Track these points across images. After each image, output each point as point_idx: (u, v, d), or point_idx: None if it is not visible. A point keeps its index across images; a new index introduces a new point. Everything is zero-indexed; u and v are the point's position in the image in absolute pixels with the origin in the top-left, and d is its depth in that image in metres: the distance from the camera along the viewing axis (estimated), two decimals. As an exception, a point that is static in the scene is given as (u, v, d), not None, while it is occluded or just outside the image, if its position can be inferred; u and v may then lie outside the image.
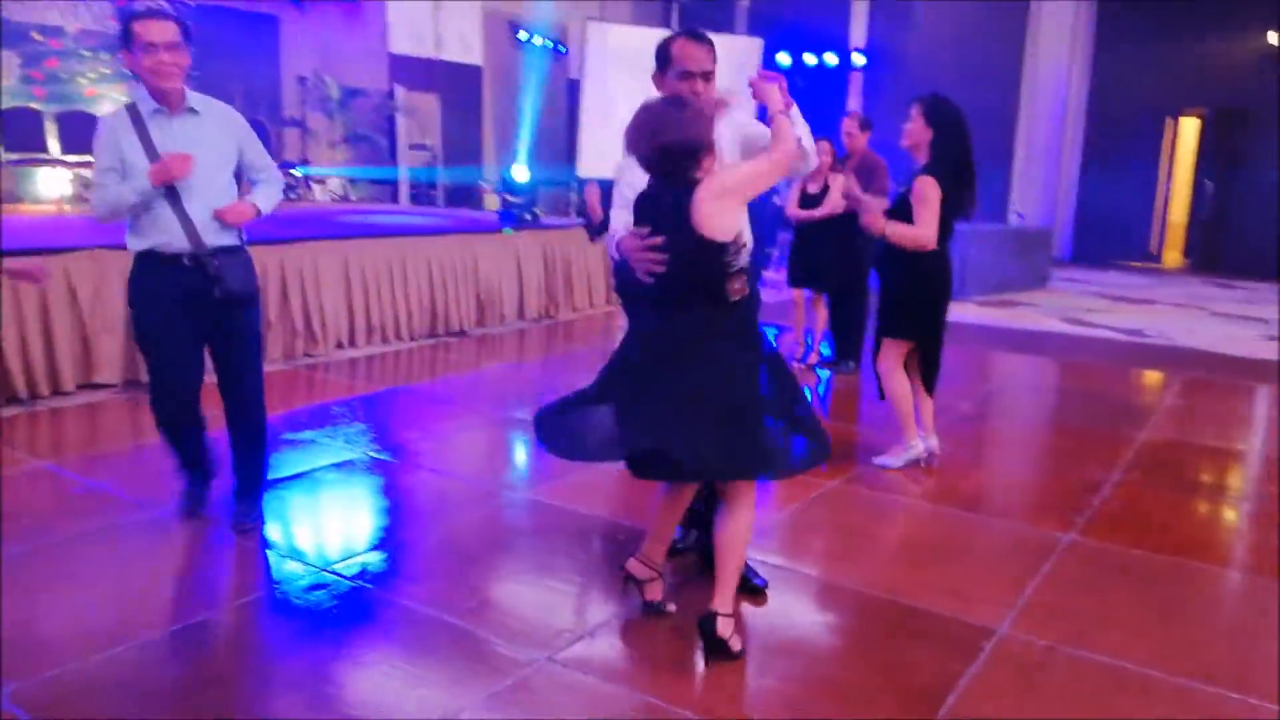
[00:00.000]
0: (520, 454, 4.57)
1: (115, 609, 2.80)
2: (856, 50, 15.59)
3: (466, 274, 7.33)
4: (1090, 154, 13.67)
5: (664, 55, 2.89)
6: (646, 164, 2.50)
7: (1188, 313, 9.32)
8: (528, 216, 8.01)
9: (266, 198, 3.24)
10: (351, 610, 2.84)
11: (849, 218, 5.74)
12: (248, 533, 3.30)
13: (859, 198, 4.63)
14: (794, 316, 6.47)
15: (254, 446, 3.38)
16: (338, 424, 4.77)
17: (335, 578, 3.02)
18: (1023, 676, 2.54)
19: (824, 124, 6.32)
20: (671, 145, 2.42)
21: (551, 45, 14.58)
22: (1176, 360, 6.87)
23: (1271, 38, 12.26)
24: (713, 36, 2.90)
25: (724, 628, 2.53)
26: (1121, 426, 5.06)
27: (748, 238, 2.57)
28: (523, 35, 14.09)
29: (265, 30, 11.02)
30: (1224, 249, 12.99)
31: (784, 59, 15.75)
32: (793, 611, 2.92)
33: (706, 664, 2.53)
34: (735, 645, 2.55)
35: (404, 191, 13.59)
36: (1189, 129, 13.76)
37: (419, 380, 5.97)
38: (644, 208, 2.54)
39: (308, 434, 4.55)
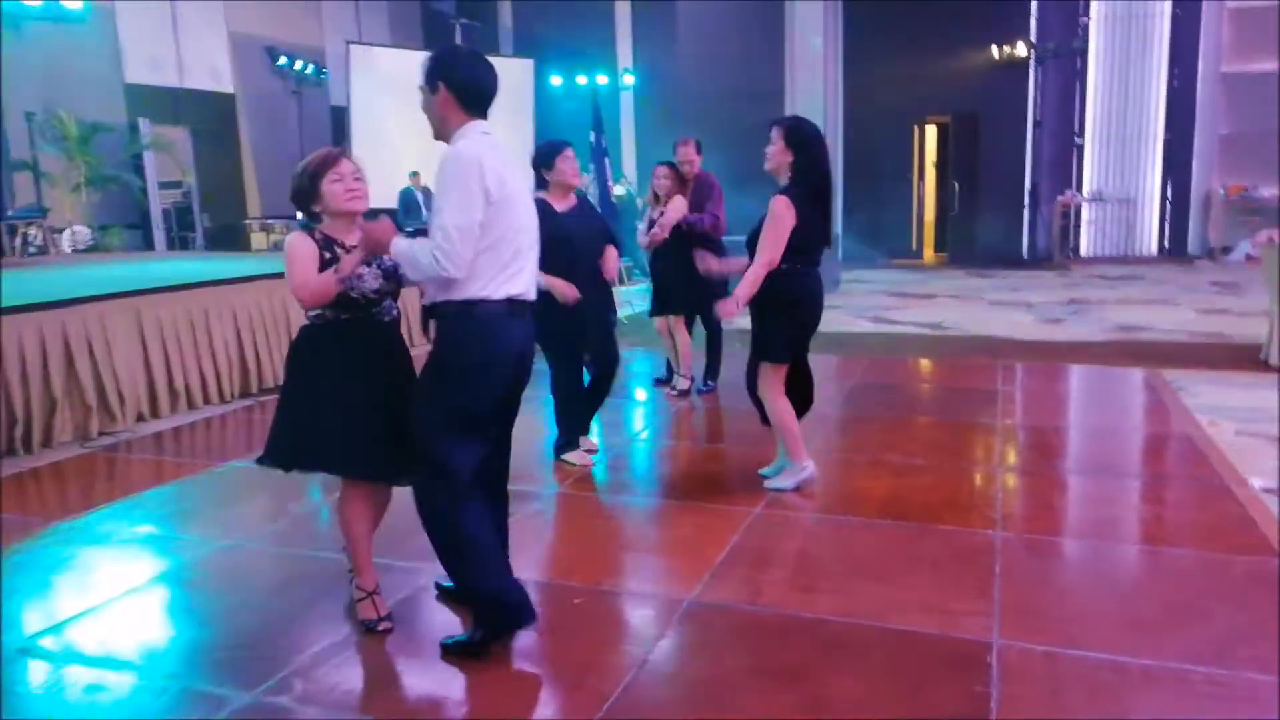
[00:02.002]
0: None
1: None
2: (626, 70, 15.86)
3: (277, 323, 6.60)
4: (851, 163, 14.65)
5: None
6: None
7: (967, 303, 10.15)
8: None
9: None
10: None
11: (693, 240, 5.73)
12: None
13: (713, 270, 4.57)
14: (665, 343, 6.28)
15: None
16: (168, 508, 4.05)
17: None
18: (1043, 687, 2.50)
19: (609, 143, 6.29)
20: None
21: (313, 70, 13.66)
22: (984, 349, 7.41)
23: (993, 51, 13.74)
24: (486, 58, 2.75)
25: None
26: (976, 416, 5.33)
27: None
28: (282, 61, 13.09)
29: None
30: (974, 242, 14.36)
31: (556, 80, 15.73)
32: (800, 657, 2.73)
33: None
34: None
35: (160, 235, 12.20)
36: (932, 135, 15.12)
37: (244, 451, 5.23)
38: None
39: (136, 529, 3.83)
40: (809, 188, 3.90)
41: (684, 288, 5.81)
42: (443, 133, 2.67)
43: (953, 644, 2.74)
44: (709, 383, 6.08)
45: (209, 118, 13.18)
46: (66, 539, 3.74)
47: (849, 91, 14.55)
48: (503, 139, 2.69)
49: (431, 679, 2.65)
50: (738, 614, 2.98)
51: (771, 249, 3.83)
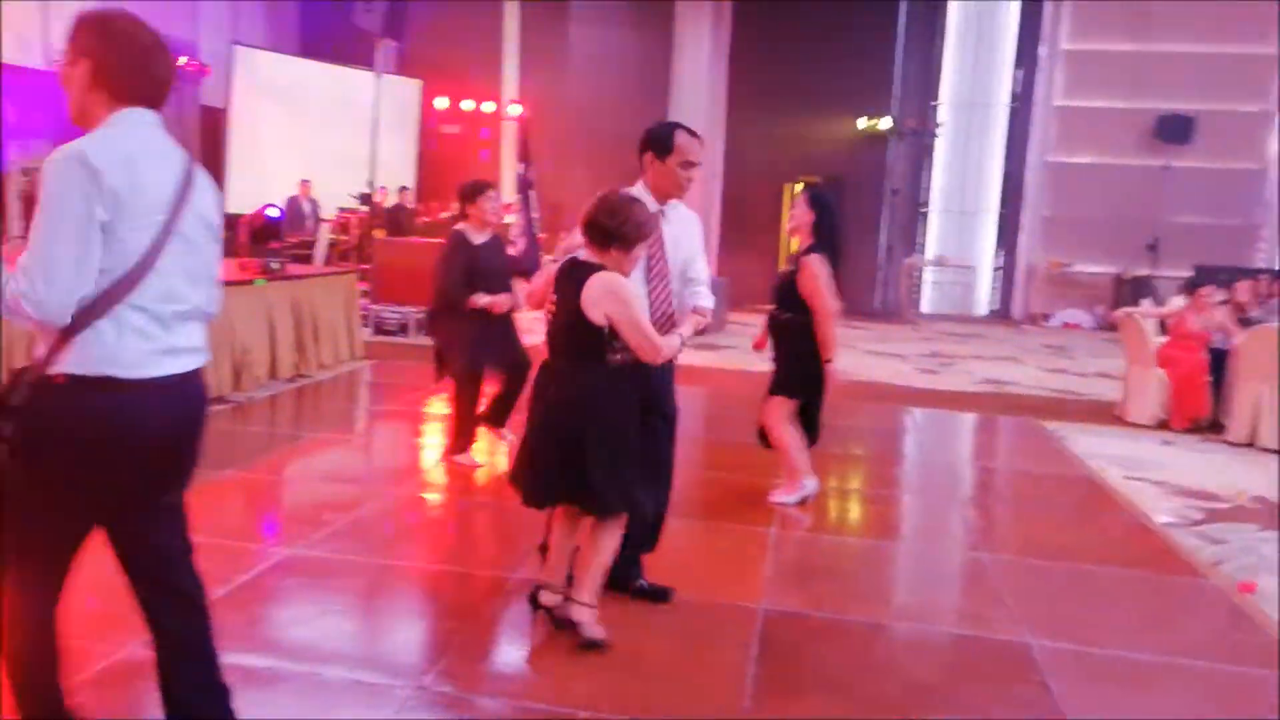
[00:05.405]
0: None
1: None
2: (512, 101, 16.12)
3: (223, 333, 6.45)
4: (726, 214, 15.55)
5: (666, 142, 3.31)
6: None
7: (845, 351, 11.04)
8: (275, 265, 7.22)
9: None
10: None
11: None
12: None
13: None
14: None
15: None
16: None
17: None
18: (1091, 685, 3.08)
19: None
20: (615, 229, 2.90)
21: (197, 66, 13.05)
22: (881, 394, 8.22)
23: (860, 123, 15.10)
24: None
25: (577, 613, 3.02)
26: (912, 454, 6.06)
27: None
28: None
29: None
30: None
31: (441, 102, 15.80)
32: (864, 662, 3.18)
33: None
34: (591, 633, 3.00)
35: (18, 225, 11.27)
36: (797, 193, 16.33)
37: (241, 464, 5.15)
38: (561, 275, 2.98)
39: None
40: (828, 246, 4.47)
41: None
42: None
43: (994, 645, 3.29)
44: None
45: (74, 105, 12.34)
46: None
47: (728, 147, 15.46)
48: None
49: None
50: (798, 621, 3.39)
51: (826, 299, 4.36)
